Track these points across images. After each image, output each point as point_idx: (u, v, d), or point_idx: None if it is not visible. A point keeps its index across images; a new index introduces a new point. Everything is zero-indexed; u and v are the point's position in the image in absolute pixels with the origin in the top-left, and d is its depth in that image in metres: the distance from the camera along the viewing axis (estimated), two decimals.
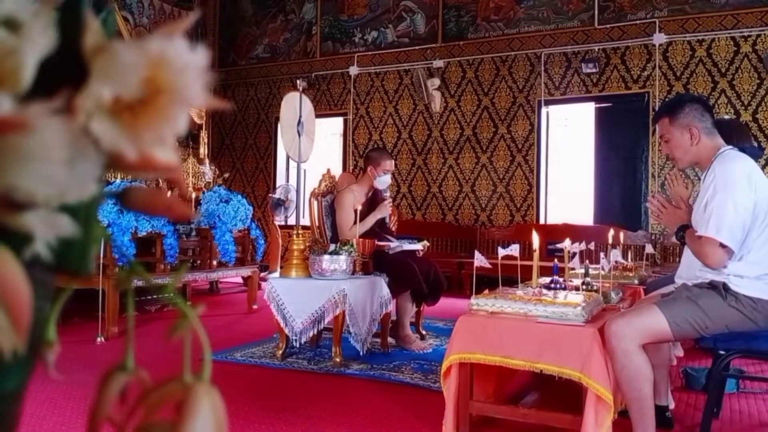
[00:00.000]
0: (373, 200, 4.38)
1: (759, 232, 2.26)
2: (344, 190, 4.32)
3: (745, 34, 6.76)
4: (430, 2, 8.38)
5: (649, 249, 4.06)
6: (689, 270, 2.48)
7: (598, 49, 7.39)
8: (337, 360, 3.63)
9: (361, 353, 3.72)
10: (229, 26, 9.97)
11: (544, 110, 7.79)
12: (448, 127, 8.28)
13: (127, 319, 0.42)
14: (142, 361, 0.40)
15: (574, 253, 3.10)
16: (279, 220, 7.65)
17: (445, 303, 4.96)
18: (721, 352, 2.32)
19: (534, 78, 7.77)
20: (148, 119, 0.36)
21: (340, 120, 9.12)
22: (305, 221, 4.32)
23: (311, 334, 3.70)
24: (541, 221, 7.71)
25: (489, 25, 8.02)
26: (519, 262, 2.59)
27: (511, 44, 7.89)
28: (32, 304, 0.34)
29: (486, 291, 2.63)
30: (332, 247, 3.80)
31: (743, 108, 6.78)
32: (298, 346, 3.81)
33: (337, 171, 6.04)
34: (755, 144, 4.98)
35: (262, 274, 6.42)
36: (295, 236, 3.96)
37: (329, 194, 4.39)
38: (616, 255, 3.08)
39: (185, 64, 0.36)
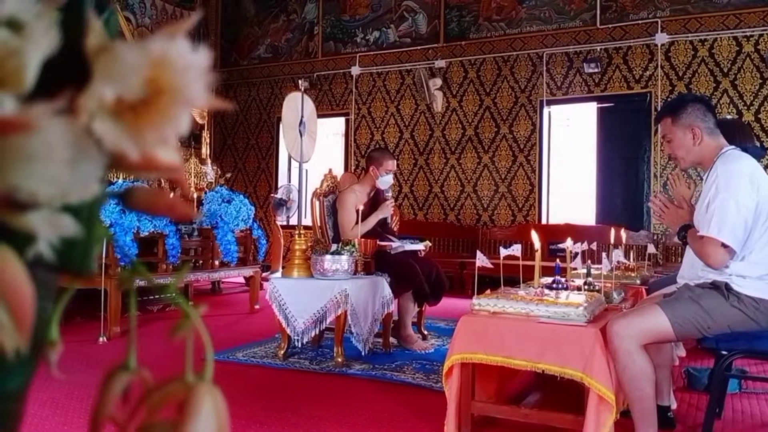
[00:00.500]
0: (375, 200, 4.37)
1: (761, 232, 2.25)
2: (346, 190, 4.32)
3: (748, 33, 6.75)
4: (431, 2, 8.38)
5: (651, 249, 4.06)
6: (691, 270, 2.47)
7: (600, 49, 7.39)
8: (339, 360, 3.63)
9: (362, 353, 3.72)
10: (231, 26, 9.97)
11: (545, 110, 7.79)
12: (450, 127, 8.28)
13: (129, 319, 0.42)
14: (145, 360, 0.41)
15: (576, 253, 3.10)
16: (281, 220, 7.66)
17: (447, 303, 4.96)
18: (724, 353, 2.32)
19: (536, 78, 7.77)
20: (150, 119, 0.36)
21: (341, 120, 9.12)
22: (307, 221, 4.32)
23: (313, 334, 3.70)
24: (543, 221, 7.71)
25: (491, 25, 8.02)
26: (521, 262, 2.59)
27: (513, 44, 7.89)
28: (35, 304, 0.34)
29: (488, 291, 2.63)
30: (334, 247, 3.80)
31: (745, 108, 6.77)
32: (299, 346, 3.81)
33: (338, 171, 6.04)
34: (758, 144, 4.97)
35: (264, 274, 6.42)
36: (297, 236, 3.96)
37: (331, 194, 4.39)
38: (618, 255, 3.08)
39: (187, 65, 0.36)
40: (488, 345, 2.35)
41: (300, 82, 4.56)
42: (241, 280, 6.78)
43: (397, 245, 4.21)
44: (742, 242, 2.23)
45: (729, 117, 6.26)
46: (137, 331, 0.44)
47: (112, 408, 0.41)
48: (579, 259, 3.09)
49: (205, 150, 7.61)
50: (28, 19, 0.33)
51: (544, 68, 7.69)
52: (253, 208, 5.99)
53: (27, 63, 0.33)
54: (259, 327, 4.88)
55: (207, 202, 5.71)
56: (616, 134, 7.39)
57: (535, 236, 2.84)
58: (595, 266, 3.27)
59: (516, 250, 2.66)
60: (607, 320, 2.30)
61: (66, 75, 0.36)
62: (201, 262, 5.83)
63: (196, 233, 5.58)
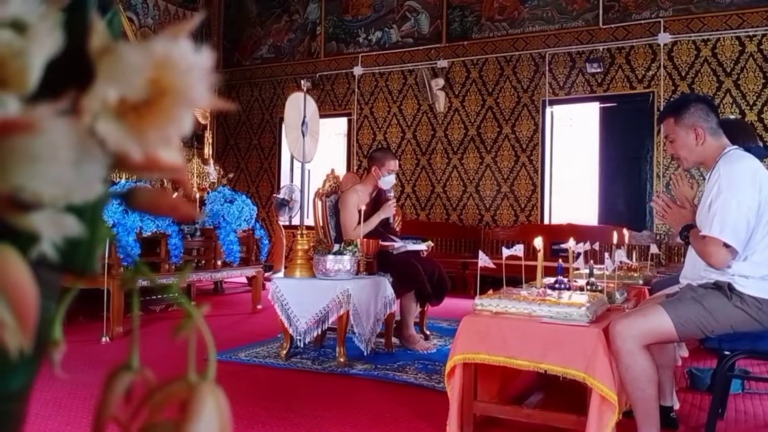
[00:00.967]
0: (377, 200, 4.37)
1: (764, 232, 2.25)
2: (348, 191, 4.32)
3: (750, 33, 6.74)
4: (434, 2, 8.38)
5: (653, 249, 4.05)
6: (694, 270, 2.47)
7: (603, 49, 7.38)
8: (341, 360, 3.63)
9: (365, 353, 3.72)
10: (233, 27, 9.98)
11: (548, 110, 7.78)
12: (453, 127, 8.27)
13: (131, 318, 0.43)
14: (147, 360, 0.41)
15: (579, 254, 3.10)
16: (283, 220, 7.66)
17: (449, 303, 4.96)
18: (726, 353, 2.31)
19: (538, 78, 7.76)
20: (153, 120, 0.36)
21: (344, 120, 9.12)
22: (309, 221, 4.32)
23: (315, 334, 3.70)
24: (546, 221, 7.70)
25: (493, 25, 8.01)
26: (523, 263, 2.59)
27: (516, 44, 7.88)
28: (39, 304, 0.34)
29: (490, 291, 2.63)
30: (336, 247, 3.80)
31: (748, 108, 6.75)
32: (302, 346, 3.81)
33: (341, 171, 6.04)
34: (760, 144, 4.97)
35: (267, 274, 6.43)
36: (299, 236, 3.97)
37: (333, 194, 4.39)
38: (620, 255, 3.07)
39: (190, 66, 0.36)
40: (491, 345, 2.35)
41: (302, 82, 4.57)
42: (244, 280, 6.79)
43: (399, 245, 4.21)
44: (744, 242, 2.23)
45: (732, 117, 6.25)
46: (140, 331, 0.44)
47: (115, 408, 0.41)
48: (581, 259, 3.09)
49: (208, 150, 7.63)
50: (31, 20, 0.33)
51: (547, 68, 7.68)
52: (255, 208, 6.00)
53: (31, 64, 0.33)
54: (262, 327, 4.89)
55: (209, 202, 5.71)
56: (619, 134, 7.39)
57: (538, 241, 2.82)
58: (598, 266, 3.27)
59: (518, 250, 2.65)
60: (610, 320, 2.30)
61: (69, 76, 0.36)
62: (203, 262, 5.84)
63: (198, 233, 5.59)
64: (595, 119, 7.64)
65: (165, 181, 5.02)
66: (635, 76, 7.26)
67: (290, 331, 3.67)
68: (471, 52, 8.14)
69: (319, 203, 4.24)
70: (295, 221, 7.30)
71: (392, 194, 4.54)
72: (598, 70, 7.31)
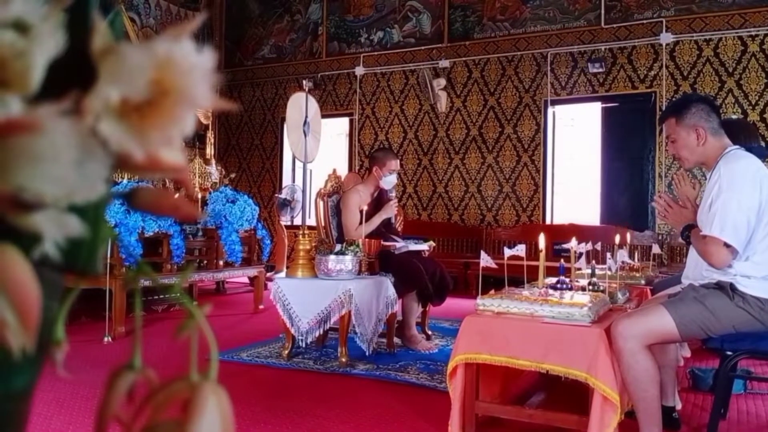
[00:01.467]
0: (379, 200, 4.38)
1: (765, 232, 2.25)
2: (350, 191, 4.32)
3: (753, 33, 6.73)
4: (435, 2, 8.38)
5: (656, 249, 4.05)
6: (696, 270, 2.47)
7: (605, 49, 7.37)
8: (343, 360, 3.63)
9: (366, 353, 3.72)
10: (235, 27, 9.99)
11: (550, 110, 7.77)
12: (454, 127, 8.27)
13: (134, 318, 0.43)
14: (150, 360, 0.41)
15: (581, 254, 3.09)
16: (285, 220, 7.67)
17: (451, 303, 4.96)
18: (729, 353, 2.31)
19: (540, 78, 7.76)
20: (155, 120, 0.36)
21: (345, 120, 9.12)
22: (311, 221, 4.33)
23: (317, 334, 3.70)
24: (548, 221, 7.70)
25: (495, 25, 8.01)
26: (525, 263, 2.59)
27: (517, 44, 7.88)
28: (41, 304, 0.34)
29: (492, 291, 2.63)
30: (338, 247, 3.81)
31: (750, 108, 6.74)
32: (304, 346, 3.81)
33: (343, 171, 6.04)
34: (762, 144, 4.96)
35: (269, 274, 6.43)
36: (301, 236, 3.97)
37: (335, 194, 4.39)
38: (622, 255, 3.07)
39: (192, 66, 0.36)
40: (492, 345, 2.35)
41: (304, 82, 4.58)
42: (246, 280, 6.79)
43: (401, 245, 4.21)
44: (745, 242, 2.23)
45: (734, 117, 6.24)
46: (142, 330, 0.44)
47: (118, 407, 0.41)
48: (583, 259, 3.08)
49: (210, 150, 7.63)
50: (34, 20, 0.33)
51: (549, 68, 7.68)
52: (257, 208, 6.00)
53: (33, 64, 0.33)
54: (264, 327, 4.89)
55: (211, 203, 5.71)
56: (621, 134, 7.38)
57: (541, 238, 2.83)
58: (600, 266, 3.27)
59: (520, 250, 2.65)
60: (612, 321, 2.30)
61: (72, 76, 0.36)
62: (205, 262, 5.84)
63: (200, 233, 5.59)
64: (596, 119, 7.63)
65: (167, 181, 5.02)
66: (637, 76, 7.26)
67: (292, 331, 3.68)
68: (473, 52, 8.14)
69: (321, 203, 4.24)
70: (297, 221, 7.31)
71: (394, 194, 4.54)
72: (600, 70, 7.30)
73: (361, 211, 3.99)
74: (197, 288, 6.22)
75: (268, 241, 6.27)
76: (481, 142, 8.10)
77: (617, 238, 3.53)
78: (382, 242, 4.05)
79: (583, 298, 2.49)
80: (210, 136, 7.73)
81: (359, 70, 8.85)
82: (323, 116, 4.93)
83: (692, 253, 2.51)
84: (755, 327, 2.22)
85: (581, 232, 5.97)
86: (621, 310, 2.62)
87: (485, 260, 2.60)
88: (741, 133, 2.86)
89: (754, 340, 2.25)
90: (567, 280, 2.81)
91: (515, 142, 7.90)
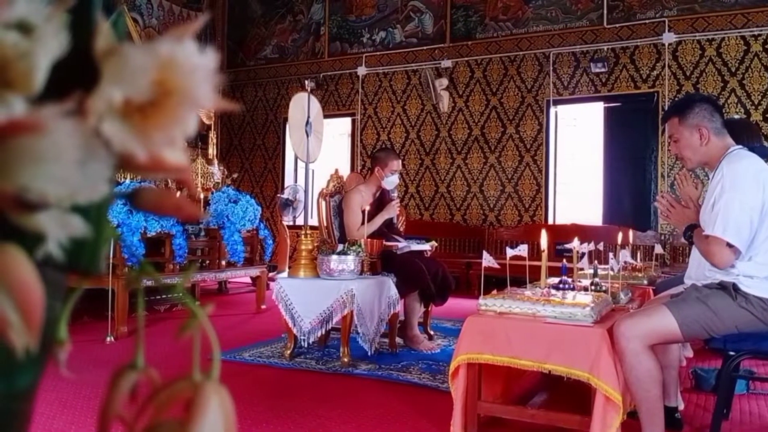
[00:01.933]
0: (381, 200, 4.38)
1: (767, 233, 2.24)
2: (351, 191, 4.32)
3: (756, 33, 6.71)
4: (438, 2, 8.38)
5: (658, 249, 4.04)
6: (698, 270, 2.46)
7: (607, 49, 7.37)
8: (345, 360, 3.63)
9: (369, 353, 3.72)
10: (237, 27, 10.00)
11: (552, 110, 7.77)
12: (456, 127, 8.27)
13: (136, 318, 0.43)
14: (152, 360, 0.41)
15: (583, 254, 3.09)
16: (287, 221, 7.67)
17: (453, 303, 4.96)
18: (731, 353, 2.31)
19: (542, 78, 7.75)
20: (158, 121, 0.36)
21: (348, 120, 9.13)
22: (313, 221, 4.33)
23: (319, 334, 3.71)
24: (550, 221, 7.69)
25: (497, 25, 8.01)
26: (527, 263, 2.59)
27: (520, 44, 7.87)
28: (44, 303, 0.34)
29: (494, 291, 2.63)
30: (340, 247, 3.81)
31: (753, 107, 6.73)
32: (306, 346, 3.82)
33: (345, 171, 6.03)
34: (765, 143, 4.95)
35: (271, 274, 6.44)
36: (303, 236, 3.97)
37: (337, 194, 4.39)
38: (625, 255, 3.07)
39: (194, 67, 0.36)
40: (495, 345, 2.35)
41: (306, 82, 4.58)
42: (248, 280, 6.80)
43: (403, 245, 4.21)
44: (747, 242, 2.22)
45: (737, 117, 6.23)
46: (144, 330, 0.45)
47: (120, 407, 0.41)
48: (586, 259, 3.08)
49: (212, 150, 7.63)
50: (37, 21, 0.33)
51: (551, 68, 7.67)
52: (259, 208, 6.00)
53: (37, 65, 0.33)
54: (266, 327, 4.89)
55: (214, 203, 5.72)
56: (623, 134, 7.37)
57: (543, 237, 2.83)
58: (602, 266, 3.26)
59: (522, 250, 2.65)
60: (614, 321, 2.30)
61: (75, 77, 0.36)
62: (208, 262, 5.85)
63: (202, 233, 5.60)
64: (599, 119, 7.63)
65: (169, 182, 5.03)
66: (639, 76, 7.25)
67: (294, 331, 3.68)
68: (475, 52, 8.13)
69: (323, 203, 4.24)
70: (299, 221, 7.31)
71: (396, 194, 4.55)
72: (603, 69, 7.29)
73: (363, 212, 3.99)
74: (200, 288, 6.22)
75: (271, 241, 6.27)
76: (484, 142, 8.10)
77: (620, 238, 3.53)
78: (384, 242, 4.05)
79: (586, 298, 2.48)
80: (212, 136, 7.73)
81: (361, 70, 8.85)
82: (325, 116, 4.94)
83: (695, 253, 2.50)
84: (758, 327, 2.22)
85: (583, 232, 5.96)
86: (623, 310, 2.61)
87: (487, 260, 2.60)
88: (744, 133, 2.86)
89: (757, 341, 2.25)
90: (569, 280, 2.81)
91: (517, 142, 7.90)
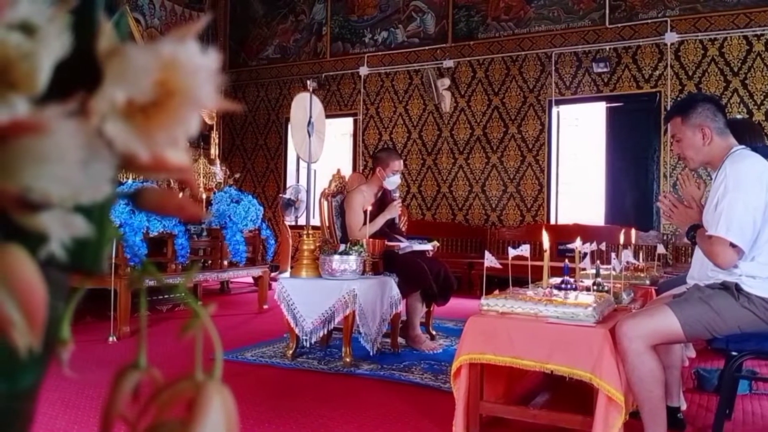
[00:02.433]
0: (383, 200, 4.38)
1: None
2: (353, 191, 4.32)
3: (758, 32, 6.70)
4: (440, 2, 8.38)
5: (660, 249, 4.04)
6: (701, 270, 2.46)
7: (609, 49, 7.36)
8: (347, 360, 3.63)
9: (371, 353, 3.72)
10: (239, 27, 10.00)
11: (554, 110, 7.76)
12: (458, 127, 8.27)
13: (138, 318, 0.43)
14: (154, 359, 0.41)
15: (585, 254, 3.09)
16: (289, 221, 7.67)
17: (455, 303, 4.95)
18: (734, 353, 2.30)
19: (544, 78, 7.75)
20: (160, 121, 0.36)
21: (350, 120, 9.13)
22: (315, 221, 4.33)
23: (321, 334, 3.71)
24: (552, 221, 7.69)
25: (499, 25, 8.00)
26: (529, 263, 2.58)
27: (522, 44, 7.87)
28: (47, 303, 0.34)
29: (496, 291, 2.63)
30: (342, 247, 3.81)
31: (756, 107, 6.72)
32: (308, 346, 3.82)
33: (347, 171, 6.04)
34: None
35: (273, 274, 6.44)
36: (305, 236, 3.97)
37: (339, 194, 4.39)
38: (627, 255, 3.06)
39: (197, 67, 0.37)
40: (497, 345, 2.35)
41: (308, 82, 4.58)
42: (250, 280, 6.80)
43: (405, 245, 4.21)
44: (751, 242, 2.22)
45: (739, 116, 6.22)
46: (147, 330, 0.45)
47: (123, 406, 0.41)
48: (588, 259, 3.08)
49: (214, 150, 7.64)
50: (40, 22, 0.34)
51: (553, 68, 7.66)
52: (261, 208, 6.01)
53: (40, 66, 0.34)
54: (268, 327, 4.90)
55: (216, 203, 5.73)
56: (626, 134, 7.36)
57: (545, 237, 2.83)
58: (604, 267, 3.26)
59: (525, 250, 2.65)
60: (617, 321, 2.30)
61: (78, 77, 0.36)
62: (210, 262, 5.85)
63: (205, 233, 5.60)
64: (601, 119, 7.62)
65: (171, 182, 5.03)
66: (642, 76, 7.24)
67: (296, 331, 3.68)
68: (477, 52, 8.13)
69: (325, 203, 4.24)
70: (301, 221, 7.32)
71: (397, 194, 4.55)
72: (605, 69, 7.28)
73: (364, 212, 3.99)
74: (202, 288, 6.23)
75: (273, 241, 6.28)
76: (486, 142, 8.09)
77: (622, 238, 3.53)
78: (386, 242, 4.05)
79: (588, 298, 2.48)
80: (214, 136, 7.74)
81: (363, 70, 8.85)
82: (327, 116, 4.94)
83: (698, 253, 2.50)
84: (760, 327, 2.22)
85: (586, 232, 5.95)
86: (626, 310, 2.61)
87: (489, 260, 2.60)
88: (746, 133, 2.86)
89: (760, 341, 2.25)
90: (571, 280, 2.81)
91: (519, 142, 7.89)
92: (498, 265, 2.59)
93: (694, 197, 2.55)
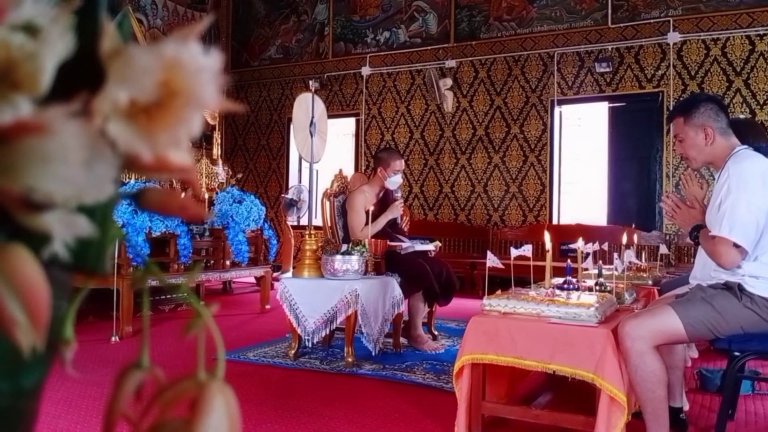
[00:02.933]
0: (385, 201, 4.38)
1: None
2: (355, 191, 4.33)
3: (761, 32, 6.69)
4: (442, 2, 8.38)
5: (663, 249, 4.03)
6: (704, 270, 2.46)
7: (612, 49, 7.35)
8: (350, 360, 3.63)
9: (373, 353, 3.72)
10: (241, 27, 10.01)
11: (557, 110, 7.76)
12: (461, 127, 8.26)
13: (141, 318, 0.43)
14: (157, 359, 0.41)
15: (588, 254, 3.09)
16: (291, 221, 7.68)
17: (457, 303, 4.95)
18: (736, 354, 2.30)
19: (547, 77, 7.74)
20: (163, 121, 0.37)
21: (352, 120, 9.13)
22: (317, 221, 4.33)
23: (323, 334, 3.71)
24: (554, 221, 7.68)
25: (501, 25, 8.00)
26: (532, 263, 2.58)
27: (524, 44, 7.86)
28: (51, 303, 0.34)
29: (498, 291, 2.63)
30: (344, 247, 3.81)
31: (758, 107, 6.71)
32: (310, 346, 3.82)
33: (349, 171, 6.04)
34: None
35: (275, 274, 6.44)
36: (307, 236, 3.97)
37: (341, 194, 4.39)
38: (629, 255, 3.06)
39: (199, 68, 0.37)
40: (499, 345, 2.35)
41: (310, 82, 4.57)
42: (252, 280, 6.81)
43: (407, 245, 4.21)
44: (754, 242, 2.22)
45: (742, 116, 6.21)
46: (149, 330, 0.45)
47: (125, 406, 0.41)
48: (590, 259, 3.08)
49: (217, 151, 7.65)
50: (44, 23, 0.34)
51: (555, 68, 7.66)
52: (263, 208, 6.01)
53: (43, 66, 0.34)
54: (270, 327, 4.90)
55: (218, 203, 5.73)
56: (628, 134, 7.35)
57: (547, 237, 2.83)
58: (607, 267, 3.26)
59: (527, 250, 2.65)
60: (619, 321, 2.29)
61: (81, 78, 0.36)
62: (212, 262, 5.86)
63: (207, 233, 5.61)
64: (603, 119, 7.61)
65: (174, 182, 5.04)
66: (644, 76, 7.23)
67: (298, 330, 3.68)
68: (479, 51, 8.12)
69: (327, 203, 4.24)
70: (304, 221, 7.32)
71: (399, 194, 4.54)
72: (607, 69, 7.28)
73: (366, 212, 3.99)
74: (204, 288, 6.24)
75: (275, 241, 6.28)
76: (488, 142, 8.09)
77: (624, 239, 3.52)
78: (388, 242, 4.05)
79: (590, 298, 2.48)
80: (217, 136, 7.75)
81: (365, 71, 8.85)
82: (329, 116, 4.94)
83: (701, 253, 2.50)
84: (763, 327, 2.21)
85: (588, 232, 5.95)
86: (628, 310, 2.61)
87: (492, 260, 2.60)
88: (749, 133, 2.85)
89: (762, 341, 2.24)
90: (574, 280, 2.81)
91: (522, 142, 7.89)
92: (500, 266, 2.59)
93: (696, 197, 2.55)
